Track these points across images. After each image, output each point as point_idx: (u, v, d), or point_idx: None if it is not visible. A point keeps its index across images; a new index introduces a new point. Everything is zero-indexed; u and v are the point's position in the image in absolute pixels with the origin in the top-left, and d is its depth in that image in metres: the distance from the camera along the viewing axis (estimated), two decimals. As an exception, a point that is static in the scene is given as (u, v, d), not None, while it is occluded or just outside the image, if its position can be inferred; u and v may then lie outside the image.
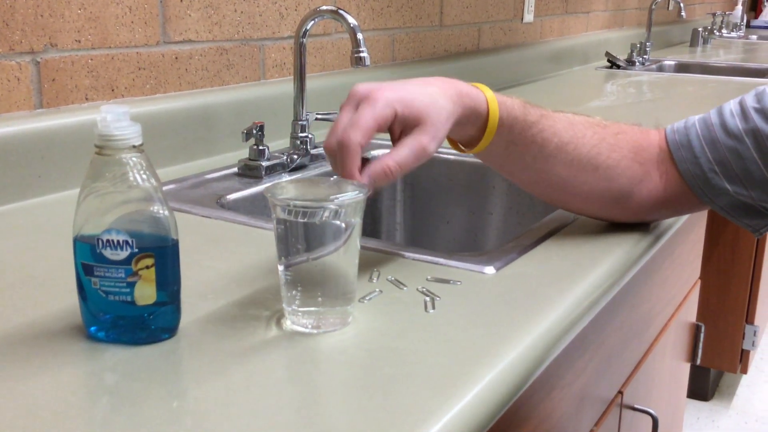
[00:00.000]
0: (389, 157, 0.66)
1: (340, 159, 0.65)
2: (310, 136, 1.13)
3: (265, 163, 1.07)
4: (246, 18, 1.23)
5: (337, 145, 0.65)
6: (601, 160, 0.78)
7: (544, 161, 0.77)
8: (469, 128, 0.74)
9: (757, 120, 0.74)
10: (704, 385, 2.23)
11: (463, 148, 0.77)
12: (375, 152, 1.26)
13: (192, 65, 1.15)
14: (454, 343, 0.58)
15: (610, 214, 0.82)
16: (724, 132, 0.76)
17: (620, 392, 0.99)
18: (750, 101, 0.75)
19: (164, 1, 1.09)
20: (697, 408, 2.20)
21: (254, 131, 1.07)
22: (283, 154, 1.12)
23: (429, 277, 0.70)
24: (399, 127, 0.68)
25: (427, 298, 0.66)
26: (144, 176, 0.56)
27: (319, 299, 0.60)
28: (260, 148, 1.08)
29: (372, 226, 1.27)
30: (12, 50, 0.92)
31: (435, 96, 0.69)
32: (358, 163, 0.65)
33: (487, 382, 0.53)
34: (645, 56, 2.66)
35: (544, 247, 0.79)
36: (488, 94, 0.74)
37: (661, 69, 2.73)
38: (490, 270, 0.72)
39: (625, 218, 0.83)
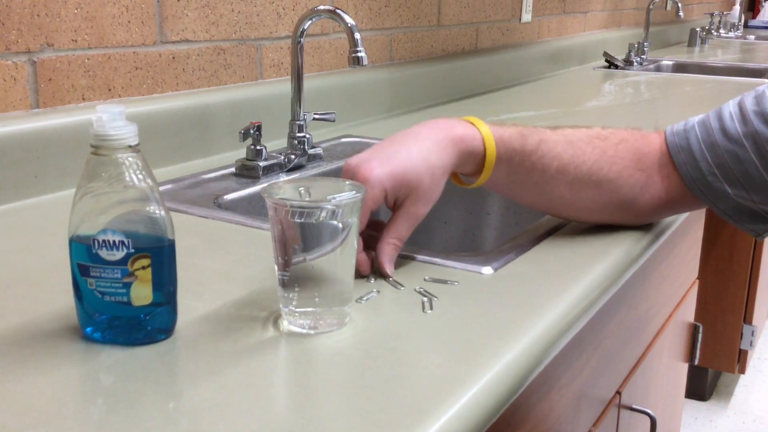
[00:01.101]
0: (390, 235, 0.71)
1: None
2: (307, 136, 1.13)
3: (262, 163, 1.07)
4: (243, 18, 1.22)
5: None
6: (602, 175, 0.78)
7: (546, 184, 0.78)
8: (468, 167, 0.76)
9: (757, 123, 0.73)
10: (702, 384, 2.23)
11: (464, 181, 0.79)
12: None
13: (189, 65, 1.14)
14: (451, 344, 0.58)
15: (614, 220, 0.83)
16: (723, 135, 0.75)
17: (618, 392, 0.99)
18: (749, 104, 0.75)
19: (161, 0, 1.08)
20: (695, 408, 2.20)
21: (251, 131, 1.07)
22: (280, 154, 1.11)
23: (426, 278, 0.70)
24: (392, 199, 0.71)
25: (425, 299, 0.66)
26: (140, 176, 0.56)
27: (316, 300, 0.60)
28: (257, 148, 1.07)
29: (370, 226, 1.26)
30: (8, 50, 0.91)
31: (426, 155, 0.71)
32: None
33: (484, 383, 0.53)
34: (643, 56, 2.66)
35: (541, 248, 0.79)
36: (484, 130, 0.75)
37: (658, 69, 2.73)
38: (487, 270, 0.72)
39: (630, 221, 0.83)
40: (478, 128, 0.75)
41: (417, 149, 0.71)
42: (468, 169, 0.76)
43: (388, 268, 0.70)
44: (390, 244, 0.71)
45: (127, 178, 0.56)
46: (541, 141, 0.77)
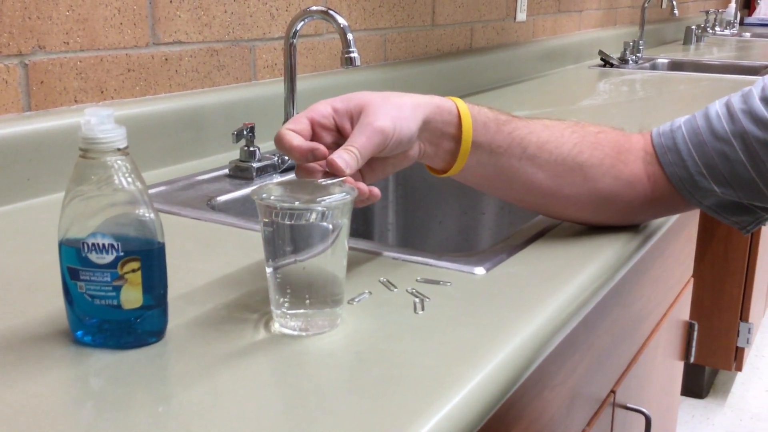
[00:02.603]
0: (345, 144, 0.66)
1: (280, 149, 0.66)
2: (301, 136, 1.13)
3: (255, 165, 1.07)
4: (236, 19, 1.22)
5: (275, 143, 0.67)
6: (584, 159, 0.77)
7: (528, 162, 0.76)
8: (445, 142, 0.74)
9: (745, 122, 0.73)
10: (699, 382, 2.23)
11: (441, 173, 0.77)
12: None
13: (182, 66, 1.14)
14: (443, 345, 0.58)
15: (600, 217, 0.82)
16: (711, 135, 0.75)
17: (613, 391, 0.99)
18: (736, 103, 0.75)
19: (153, 2, 1.08)
20: (692, 406, 2.20)
21: (245, 132, 1.07)
22: (274, 155, 1.11)
23: (419, 278, 0.70)
24: (347, 123, 0.69)
25: (417, 300, 0.66)
26: (129, 179, 0.56)
27: (307, 301, 0.60)
28: (251, 149, 1.07)
29: (364, 227, 1.26)
30: (0, 53, 0.91)
31: (389, 96, 0.70)
32: (296, 143, 0.65)
33: (476, 383, 0.53)
34: (638, 54, 2.66)
35: (534, 248, 0.79)
36: (454, 99, 0.74)
37: (654, 67, 2.73)
38: (479, 271, 0.72)
39: (615, 221, 0.83)
40: (453, 99, 0.74)
41: (377, 93, 0.70)
42: (445, 145, 0.73)
43: (337, 161, 0.63)
44: (344, 149, 0.65)
45: (116, 182, 0.55)
46: (512, 117, 0.77)
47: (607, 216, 0.81)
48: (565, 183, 0.77)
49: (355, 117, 0.69)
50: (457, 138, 0.74)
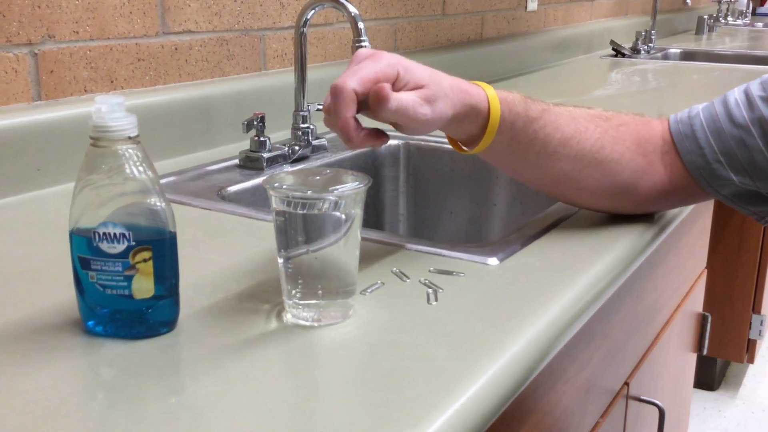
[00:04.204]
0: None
1: (334, 105, 0.62)
2: (311, 127, 1.12)
3: (266, 155, 1.06)
4: (246, 8, 1.21)
5: (331, 92, 0.62)
6: (605, 154, 0.76)
7: (548, 157, 0.76)
8: (470, 126, 0.72)
9: (764, 109, 0.72)
10: (711, 374, 2.22)
11: (464, 148, 0.76)
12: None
13: (192, 56, 1.14)
14: (456, 336, 0.58)
15: (616, 206, 0.81)
16: (729, 122, 0.74)
17: (626, 384, 0.98)
18: (755, 90, 0.74)
19: (163, -9, 1.07)
20: (703, 398, 2.19)
21: (255, 122, 1.06)
22: (284, 145, 1.11)
23: (432, 269, 0.70)
24: (401, 87, 0.65)
25: (430, 290, 0.65)
26: (140, 168, 0.55)
27: (320, 292, 0.59)
28: (261, 139, 1.07)
29: (375, 217, 1.26)
30: (9, 42, 0.91)
31: (439, 77, 0.67)
32: (352, 111, 0.62)
33: (490, 376, 0.53)
34: (650, 44, 2.64)
35: (547, 238, 0.78)
36: (489, 91, 0.72)
37: (666, 57, 2.71)
38: (493, 261, 0.71)
39: (630, 210, 0.82)
40: (484, 89, 0.72)
41: (429, 70, 0.67)
42: (470, 129, 0.72)
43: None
44: (383, 92, 0.61)
45: (128, 170, 0.55)
46: (545, 110, 0.75)
47: (622, 205, 0.81)
48: (583, 176, 0.77)
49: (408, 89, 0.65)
50: (481, 131, 0.72)
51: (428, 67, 0.68)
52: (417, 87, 0.65)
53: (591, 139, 0.76)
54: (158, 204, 0.56)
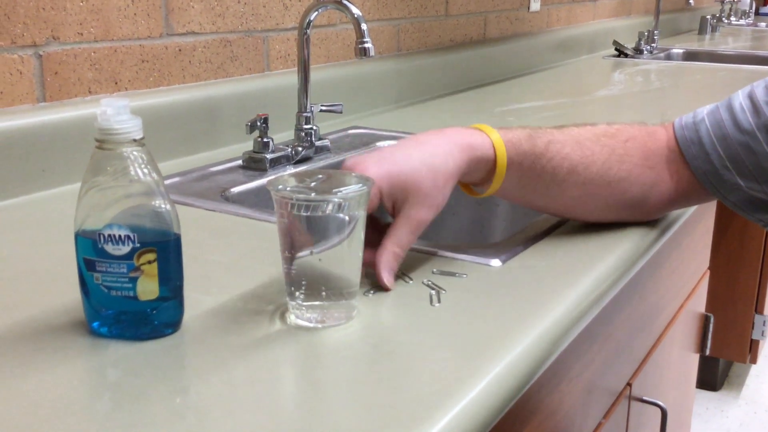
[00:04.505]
0: (390, 243, 0.66)
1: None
2: (314, 128, 1.13)
3: (269, 156, 1.06)
4: (250, 9, 1.22)
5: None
6: (612, 174, 0.76)
7: (557, 187, 0.76)
8: (478, 174, 0.73)
9: None
10: (713, 375, 2.22)
11: (475, 190, 0.77)
12: (382, 143, 1.25)
13: (195, 57, 1.14)
14: (459, 338, 0.58)
15: (624, 218, 0.81)
16: (735, 127, 0.74)
17: (629, 384, 0.98)
18: (761, 95, 0.74)
19: (167, -8, 1.08)
20: (706, 398, 2.19)
21: (258, 123, 1.06)
22: (287, 146, 1.11)
23: (434, 270, 0.70)
24: (389, 201, 0.67)
25: (433, 292, 0.65)
26: (145, 170, 0.56)
27: (323, 293, 0.60)
28: (264, 140, 1.07)
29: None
30: (14, 43, 0.91)
31: (428, 159, 0.68)
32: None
33: (493, 377, 0.53)
34: (653, 44, 2.64)
35: (550, 240, 0.78)
36: (494, 137, 0.72)
37: (669, 57, 2.71)
38: (496, 263, 0.72)
39: (640, 219, 0.82)
40: (488, 134, 0.72)
41: (418, 153, 0.68)
42: (478, 177, 0.73)
43: (387, 279, 0.65)
44: (389, 252, 0.66)
45: (133, 172, 0.55)
46: (550, 142, 0.75)
47: (632, 217, 0.81)
48: (593, 199, 0.77)
49: (399, 201, 0.67)
50: (489, 176, 0.73)
51: (417, 146, 0.69)
52: (405, 193, 0.66)
53: (598, 162, 0.76)
54: (163, 206, 0.56)
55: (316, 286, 0.60)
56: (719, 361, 2.21)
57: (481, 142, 0.71)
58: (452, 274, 0.69)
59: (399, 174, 0.66)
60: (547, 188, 0.76)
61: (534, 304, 0.64)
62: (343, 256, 0.60)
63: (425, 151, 0.68)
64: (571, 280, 0.68)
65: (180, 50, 1.11)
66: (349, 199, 0.57)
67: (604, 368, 0.87)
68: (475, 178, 0.74)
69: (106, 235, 0.55)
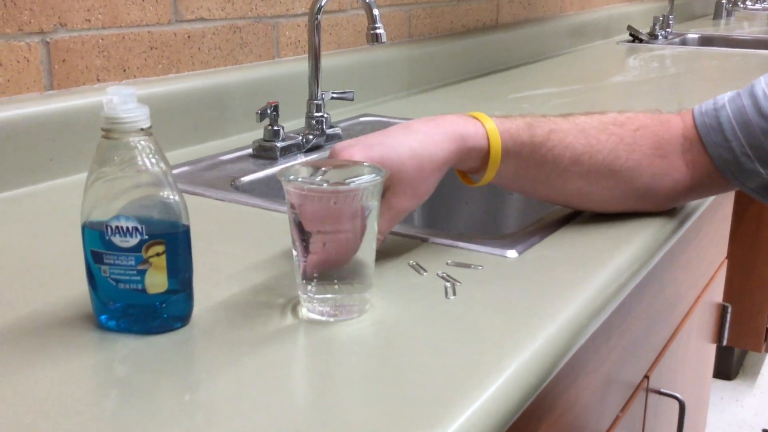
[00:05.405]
0: None
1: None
2: (325, 115, 1.11)
3: (279, 144, 1.05)
4: (259, -5, 1.20)
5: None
6: (619, 164, 0.74)
7: (560, 177, 0.74)
8: (473, 163, 0.72)
9: None
10: (728, 364, 2.20)
11: (471, 179, 0.75)
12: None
13: (205, 44, 1.12)
14: (475, 332, 0.56)
15: (636, 208, 0.79)
16: (757, 114, 0.72)
17: (646, 377, 0.96)
18: None
19: (175, -22, 1.06)
20: (720, 387, 2.17)
21: (269, 111, 1.05)
22: (298, 134, 1.09)
23: (449, 262, 0.68)
24: None
25: (448, 284, 0.64)
26: (153, 160, 0.54)
27: (336, 286, 0.58)
28: (275, 128, 1.05)
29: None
30: (21, 31, 0.90)
31: (415, 147, 0.67)
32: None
33: (510, 374, 0.51)
34: (668, 30, 2.60)
35: (567, 230, 0.77)
36: (488, 125, 0.71)
37: (684, 42, 2.67)
38: (512, 254, 0.70)
39: (652, 209, 0.80)
40: (482, 123, 0.71)
41: (406, 141, 0.67)
42: (472, 166, 0.72)
43: None
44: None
45: (140, 163, 0.54)
46: (551, 131, 0.73)
47: (643, 207, 0.79)
48: (599, 188, 0.75)
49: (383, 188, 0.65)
50: (484, 165, 0.72)
51: (405, 134, 0.68)
52: (390, 181, 0.65)
53: (604, 150, 0.74)
54: (171, 197, 0.55)
55: (328, 279, 0.58)
56: (734, 351, 2.19)
57: (473, 132, 0.70)
58: (467, 266, 0.67)
59: (383, 161, 0.65)
60: (548, 178, 0.74)
61: (551, 297, 0.62)
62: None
63: (414, 140, 0.67)
64: (589, 273, 0.67)
65: (189, 37, 1.10)
66: (363, 190, 0.56)
67: (622, 361, 0.85)
68: (469, 167, 0.73)
69: (114, 227, 0.54)
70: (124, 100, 0.53)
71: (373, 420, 0.46)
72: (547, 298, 0.62)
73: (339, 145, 0.67)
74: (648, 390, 0.97)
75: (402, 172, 0.66)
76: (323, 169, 0.60)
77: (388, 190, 0.66)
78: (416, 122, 0.70)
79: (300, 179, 0.58)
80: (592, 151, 0.73)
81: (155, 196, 0.55)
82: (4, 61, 0.89)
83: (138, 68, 1.03)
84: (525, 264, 0.69)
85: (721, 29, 2.99)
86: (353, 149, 0.65)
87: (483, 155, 0.71)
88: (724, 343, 1.50)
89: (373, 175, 0.58)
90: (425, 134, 0.68)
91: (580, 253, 0.71)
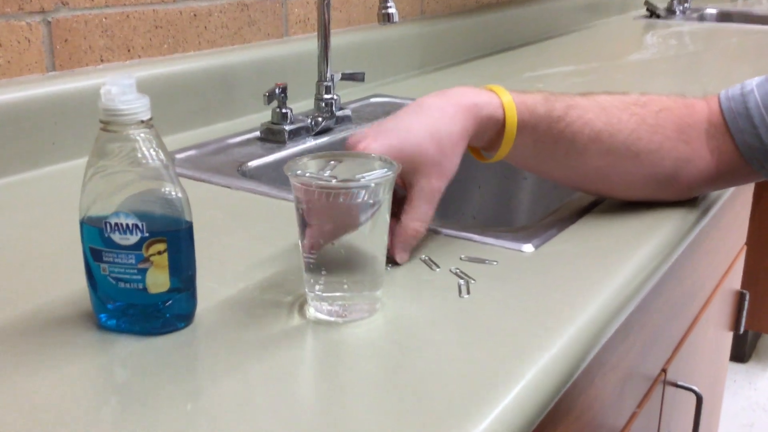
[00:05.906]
0: (410, 219, 0.64)
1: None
2: (335, 97, 1.08)
3: (288, 127, 1.02)
4: (267, -29, 1.16)
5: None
6: (641, 146, 0.71)
7: (578, 155, 0.71)
8: (487, 136, 0.69)
9: None
10: (741, 347, 2.18)
11: (485, 155, 0.72)
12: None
13: (211, 23, 1.09)
14: (491, 334, 0.54)
15: (656, 196, 0.76)
16: None
17: (663, 370, 0.94)
18: None
19: (181, -46, 1.03)
20: (734, 370, 2.15)
21: (277, 93, 1.02)
22: (307, 116, 1.06)
23: (462, 256, 0.66)
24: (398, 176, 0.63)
25: (462, 281, 0.61)
26: (154, 153, 0.52)
27: (345, 285, 0.56)
28: (283, 111, 1.02)
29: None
30: (21, 9, 0.87)
31: (431, 125, 0.64)
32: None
33: (529, 380, 0.49)
34: (686, 5, 2.54)
35: (584, 222, 0.74)
36: (505, 98, 0.68)
37: (702, 18, 2.61)
38: (528, 248, 0.67)
39: (673, 198, 0.77)
40: (498, 94, 0.68)
41: (420, 121, 0.65)
42: (487, 139, 0.69)
43: (400, 256, 0.63)
44: (410, 229, 0.63)
45: (140, 156, 0.51)
46: (570, 106, 0.70)
47: (664, 195, 0.76)
48: (618, 170, 0.72)
49: (408, 174, 0.64)
50: (497, 143, 0.69)
51: (419, 112, 0.66)
52: (412, 166, 0.64)
53: (625, 130, 0.71)
54: (173, 192, 0.52)
55: (337, 277, 0.56)
56: (748, 333, 2.16)
57: (487, 101, 0.67)
58: (482, 261, 0.65)
59: (403, 147, 0.62)
60: (566, 156, 0.71)
61: (570, 295, 0.59)
62: (366, 244, 0.55)
63: (428, 118, 0.65)
64: (609, 268, 0.64)
65: (195, 15, 1.07)
66: (374, 187, 0.53)
67: (640, 357, 0.83)
68: (483, 141, 0.70)
69: (113, 224, 0.51)
70: (123, 91, 0.50)
71: (385, 429, 0.44)
72: (566, 297, 0.59)
73: (353, 138, 0.64)
74: (665, 383, 0.95)
75: (423, 154, 0.63)
76: (332, 162, 0.57)
77: (414, 174, 0.64)
78: (427, 98, 0.68)
79: (308, 174, 0.55)
80: (613, 129, 0.70)
81: (156, 191, 0.52)
82: (4, 41, 0.86)
83: (142, 48, 1.00)
84: (541, 259, 0.66)
85: (740, 4, 2.92)
86: (368, 140, 0.63)
87: (498, 126, 0.68)
88: (742, 330, 1.47)
89: (385, 169, 0.55)
90: (438, 110, 0.66)
91: (599, 247, 0.68)
